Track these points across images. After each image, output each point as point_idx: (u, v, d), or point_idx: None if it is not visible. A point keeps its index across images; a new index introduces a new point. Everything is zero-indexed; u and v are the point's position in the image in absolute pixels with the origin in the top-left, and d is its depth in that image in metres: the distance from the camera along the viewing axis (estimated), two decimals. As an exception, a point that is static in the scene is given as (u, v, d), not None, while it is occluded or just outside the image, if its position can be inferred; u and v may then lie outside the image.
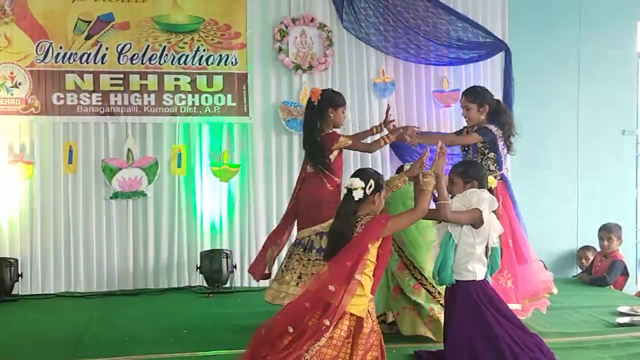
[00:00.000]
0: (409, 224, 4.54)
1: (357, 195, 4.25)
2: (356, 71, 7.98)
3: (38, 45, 7.43)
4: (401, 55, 8.01)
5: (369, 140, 6.14)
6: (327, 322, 4.00)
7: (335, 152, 5.66)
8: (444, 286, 4.67)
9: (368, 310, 4.19)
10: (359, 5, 7.88)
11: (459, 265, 4.55)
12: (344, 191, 4.38)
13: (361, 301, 4.14)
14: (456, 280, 4.55)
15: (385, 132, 6.12)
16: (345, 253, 4.13)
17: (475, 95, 5.97)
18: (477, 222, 4.53)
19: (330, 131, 5.67)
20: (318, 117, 5.65)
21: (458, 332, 4.48)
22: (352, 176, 4.38)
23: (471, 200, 4.59)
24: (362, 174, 4.40)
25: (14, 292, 7.17)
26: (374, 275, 4.23)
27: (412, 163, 4.77)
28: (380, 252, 4.24)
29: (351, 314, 4.10)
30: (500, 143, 5.82)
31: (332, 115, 5.63)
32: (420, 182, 4.41)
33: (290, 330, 4.05)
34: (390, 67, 8.03)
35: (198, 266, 7.44)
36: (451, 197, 4.62)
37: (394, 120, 6.34)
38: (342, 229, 4.23)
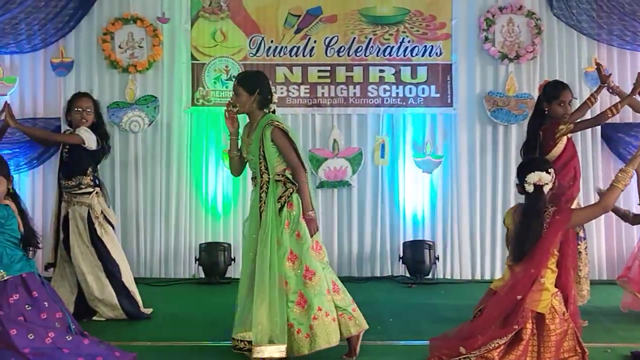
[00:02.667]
0: (591, 218, 4.63)
1: (547, 189, 4.36)
2: (566, 60, 8.07)
3: (251, 39, 8.15)
4: (615, 43, 8.00)
5: (587, 115, 6.16)
6: (516, 327, 4.22)
7: (564, 141, 5.76)
8: None
9: (552, 306, 4.24)
10: (571, -9, 7.95)
11: None
12: (529, 188, 4.35)
13: (544, 296, 4.22)
14: None
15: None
16: (534, 255, 4.25)
17: None
18: None
19: (550, 123, 5.78)
20: (539, 111, 5.85)
21: None
22: (527, 171, 4.37)
23: None
24: (541, 166, 4.44)
25: (227, 274, 7.89)
26: (557, 267, 4.34)
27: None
28: (562, 240, 4.35)
29: (533, 311, 4.21)
30: None
31: (546, 108, 5.80)
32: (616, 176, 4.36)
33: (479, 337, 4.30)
34: (603, 55, 8.04)
35: (401, 256, 7.88)
36: None
37: (611, 75, 6.31)
38: (535, 227, 4.26)
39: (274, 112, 4.96)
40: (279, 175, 4.81)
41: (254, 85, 4.87)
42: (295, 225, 4.75)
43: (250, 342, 4.71)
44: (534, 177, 4.33)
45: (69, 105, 6.23)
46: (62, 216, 6.13)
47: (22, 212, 4.43)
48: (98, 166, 6.31)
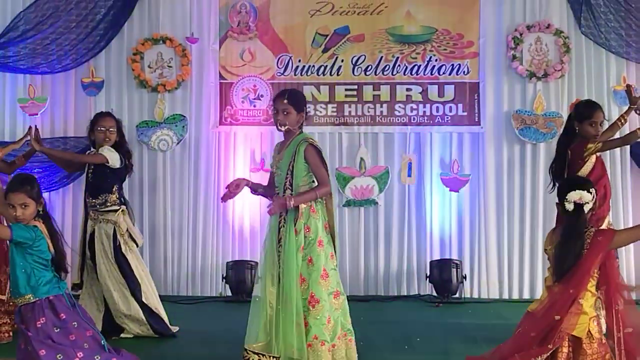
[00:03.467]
0: (633, 240, 4.58)
1: (587, 208, 4.32)
2: (595, 78, 8.08)
3: (279, 59, 8.24)
4: (645, 61, 8.00)
5: (617, 135, 6.19)
6: (550, 346, 4.17)
7: (592, 159, 5.76)
8: None
9: (589, 330, 4.16)
10: (599, 10, 7.97)
11: None
12: (569, 206, 4.29)
13: (581, 320, 4.14)
14: None
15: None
16: (574, 276, 4.21)
17: None
18: None
19: (579, 142, 5.78)
20: (569, 130, 5.86)
21: None
22: (568, 189, 4.34)
23: None
24: (583, 185, 4.40)
25: (254, 293, 7.91)
26: (597, 290, 4.30)
27: None
28: (602, 263, 4.31)
29: (569, 334, 4.15)
30: None
31: (577, 127, 5.80)
32: None
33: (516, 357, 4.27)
34: (631, 73, 8.05)
35: (428, 275, 7.88)
36: None
37: None
38: (574, 247, 4.21)
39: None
40: None
41: (302, 104, 4.99)
42: (309, 250, 4.86)
43: (256, 353, 4.79)
44: (574, 195, 4.30)
45: (92, 124, 6.36)
46: (88, 234, 6.22)
47: (55, 234, 4.46)
48: (124, 184, 6.43)
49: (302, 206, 4.87)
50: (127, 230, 6.19)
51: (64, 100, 8.21)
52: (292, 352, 4.75)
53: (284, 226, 4.89)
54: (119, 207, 6.17)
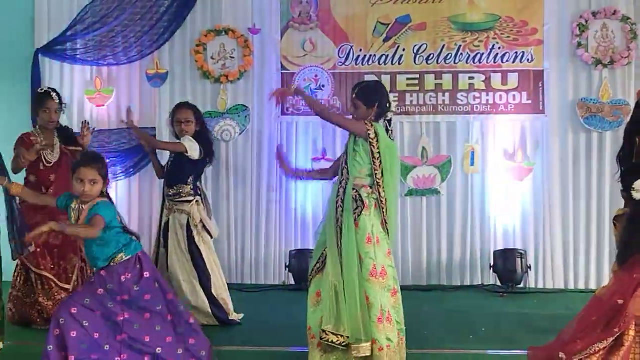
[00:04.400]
0: None
1: None
2: (663, 65, 7.92)
3: (340, 48, 8.26)
4: None
5: None
6: (616, 330, 4.14)
7: None
8: None
9: None
10: (667, -4, 7.80)
11: None
12: (636, 195, 4.26)
13: None
14: None
15: None
16: (638, 261, 4.18)
17: None
18: None
19: None
20: (636, 118, 5.72)
21: None
22: (634, 177, 4.29)
23: None
24: None
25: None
26: None
27: None
28: None
29: (637, 317, 4.13)
30: None
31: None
32: None
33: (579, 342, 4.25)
34: (702, 59, 7.86)
35: (491, 265, 7.83)
36: None
37: None
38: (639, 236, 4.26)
39: (390, 120, 5.01)
40: (355, 189, 4.87)
41: (373, 99, 4.92)
42: (358, 247, 4.81)
43: (334, 334, 4.80)
44: None
45: (171, 116, 6.44)
46: (163, 223, 6.31)
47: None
48: (202, 176, 6.49)
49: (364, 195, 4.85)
50: (201, 221, 6.23)
51: (129, 92, 8.39)
52: (359, 333, 4.77)
53: (341, 208, 4.86)
54: (193, 198, 6.23)
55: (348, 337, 4.79)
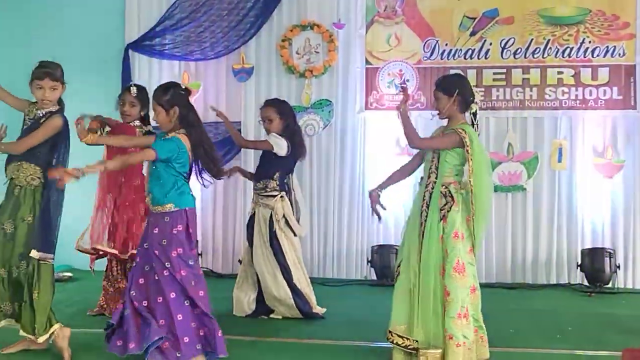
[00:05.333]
0: None
1: None
2: None
3: (425, 43, 8.21)
4: None
5: None
6: None
7: None
8: None
9: None
10: None
11: None
12: None
13: None
14: None
15: None
16: None
17: None
18: None
19: None
20: None
21: None
22: None
23: None
24: None
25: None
26: None
27: None
28: None
29: None
30: None
31: None
32: None
33: None
34: None
35: (579, 264, 7.68)
36: None
37: None
38: None
39: (475, 113, 4.92)
40: (444, 186, 4.82)
41: (452, 87, 4.87)
42: (444, 242, 4.77)
43: (400, 336, 4.82)
44: None
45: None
46: (249, 216, 6.41)
47: (200, 144, 4.56)
48: (291, 173, 6.47)
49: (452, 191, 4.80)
50: (284, 216, 6.28)
51: (216, 86, 8.54)
52: (430, 338, 4.77)
53: (426, 212, 4.84)
54: (277, 193, 6.28)
55: (417, 341, 4.79)
